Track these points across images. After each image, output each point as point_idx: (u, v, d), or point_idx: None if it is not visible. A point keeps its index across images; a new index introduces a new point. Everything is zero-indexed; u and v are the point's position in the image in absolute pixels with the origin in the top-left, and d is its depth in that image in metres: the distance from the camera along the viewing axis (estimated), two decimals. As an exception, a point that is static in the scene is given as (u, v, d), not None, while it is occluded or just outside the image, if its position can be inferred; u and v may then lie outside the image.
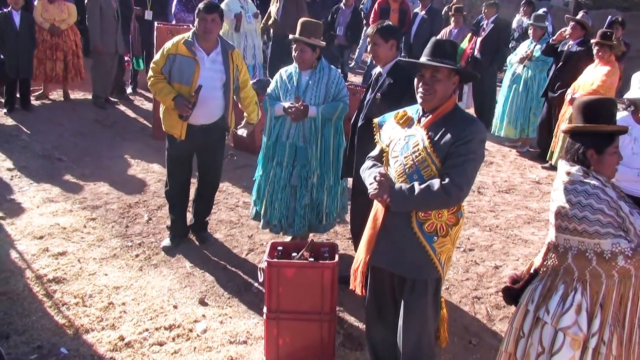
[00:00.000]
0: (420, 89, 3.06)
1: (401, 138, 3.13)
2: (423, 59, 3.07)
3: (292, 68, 4.86)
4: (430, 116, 3.06)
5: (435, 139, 3.00)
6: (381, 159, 3.27)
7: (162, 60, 4.85)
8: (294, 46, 4.74)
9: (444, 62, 3.00)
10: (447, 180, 2.90)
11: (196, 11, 4.79)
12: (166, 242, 5.37)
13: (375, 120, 3.43)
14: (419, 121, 3.11)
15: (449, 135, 2.96)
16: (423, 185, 2.94)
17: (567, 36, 7.82)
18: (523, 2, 12.10)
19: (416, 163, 3.02)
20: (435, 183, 2.92)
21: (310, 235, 5.13)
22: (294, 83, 4.77)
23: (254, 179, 5.16)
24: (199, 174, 5.34)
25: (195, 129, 4.95)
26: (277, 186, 4.89)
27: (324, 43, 4.82)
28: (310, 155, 4.77)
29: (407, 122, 3.15)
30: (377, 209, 3.18)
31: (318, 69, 4.75)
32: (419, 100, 3.09)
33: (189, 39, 4.83)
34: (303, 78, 4.77)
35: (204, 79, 4.80)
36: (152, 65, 4.93)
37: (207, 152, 5.18)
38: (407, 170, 3.05)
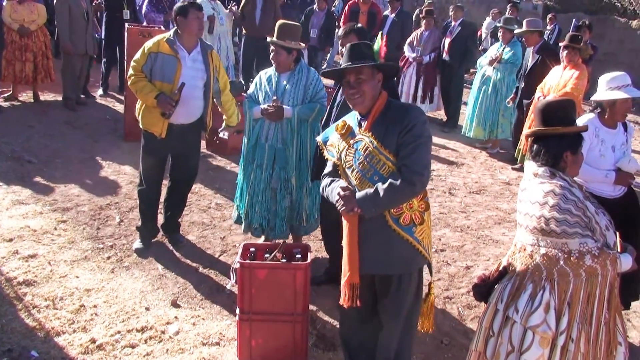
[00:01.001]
0: (349, 94, 3.13)
1: (349, 147, 3.17)
2: (343, 65, 3.14)
3: (272, 70, 4.87)
4: (369, 117, 3.13)
5: (381, 136, 3.07)
6: (337, 173, 3.30)
7: (142, 59, 4.84)
8: (272, 48, 4.75)
9: (363, 62, 3.08)
10: (405, 170, 2.97)
11: (178, 11, 4.78)
12: (137, 244, 5.34)
13: (319, 138, 3.48)
14: (360, 126, 3.17)
15: (392, 129, 3.04)
16: (385, 185, 2.98)
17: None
18: (510, 4, 12.17)
19: (372, 165, 3.07)
20: (396, 178, 2.97)
21: (290, 237, 5.14)
22: (273, 85, 4.78)
23: (236, 181, 5.15)
24: (173, 174, 5.32)
25: (173, 128, 4.96)
26: (257, 188, 4.89)
27: (303, 45, 4.83)
28: (289, 156, 4.78)
29: (349, 131, 3.20)
30: (348, 223, 3.17)
31: (297, 71, 4.76)
32: (352, 106, 3.17)
33: (171, 38, 4.84)
34: (281, 80, 4.78)
35: (185, 77, 4.83)
36: (132, 63, 4.90)
37: (184, 152, 5.17)
38: (366, 174, 3.09)
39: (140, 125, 5.05)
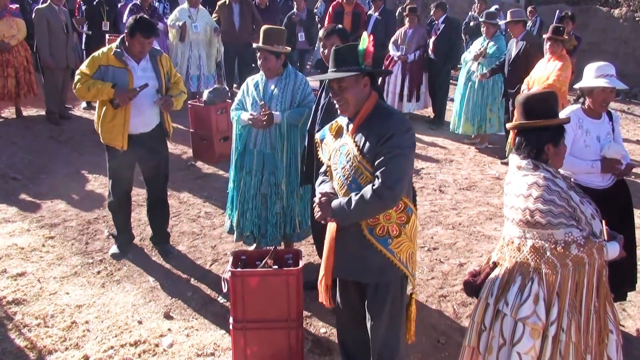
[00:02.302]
0: (334, 100, 3.10)
1: (337, 149, 3.16)
2: (329, 72, 3.09)
3: (259, 76, 4.84)
4: (355, 121, 3.09)
5: (361, 144, 3.02)
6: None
7: (92, 70, 4.82)
8: (258, 54, 4.72)
9: (346, 69, 3.00)
10: (377, 183, 2.91)
11: (128, 29, 4.76)
12: (114, 249, 5.40)
13: (317, 135, 3.46)
14: (347, 129, 3.15)
15: (371, 137, 2.98)
16: (357, 196, 2.94)
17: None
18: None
19: (351, 173, 3.05)
20: (368, 190, 2.92)
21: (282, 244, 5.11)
22: (260, 91, 4.75)
23: (227, 190, 5.12)
24: (146, 184, 5.33)
25: (134, 138, 4.96)
26: (247, 195, 4.87)
27: (289, 49, 4.80)
28: (278, 161, 4.76)
29: (340, 132, 3.18)
30: (330, 225, 3.19)
31: (284, 76, 4.73)
32: (338, 111, 3.13)
33: (118, 50, 4.83)
34: (269, 85, 4.75)
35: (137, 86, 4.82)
36: (80, 71, 4.86)
37: (150, 160, 5.15)
38: (346, 181, 3.08)
39: (101, 140, 5.04)
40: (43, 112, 9.37)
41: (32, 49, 9.14)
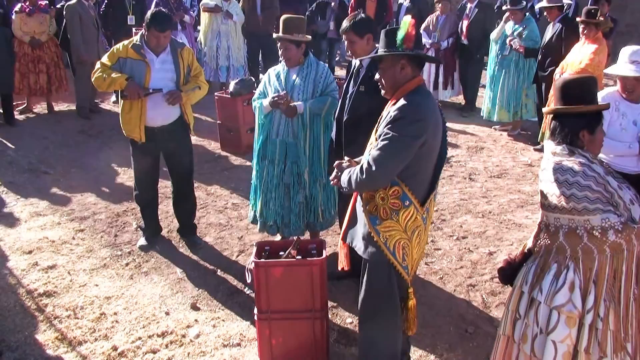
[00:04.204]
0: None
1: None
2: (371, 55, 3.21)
3: (280, 66, 4.82)
4: (390, 102, 3.13)
5: (381, 121, 3.09)
6: None
7: (112, 61, 4.89)
8: (279, 45, 4.69)
9: (385, 51, 3.06)
10: (367, 159, 2.97)
11: (146, 21, 4.81)
12: (142, 241, 5.44)
13: None
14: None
15: (386, 119, 3.02)
16: (357, 167, 3.05)
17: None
18: None
19: (370, 149, 3.09)
20: (362, 163, 3.01)
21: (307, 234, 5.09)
22: (282, 81, 4.73)
23: (251, 182, 5.11)
24: (171, 176, 5.36)
25: (155, 131, 5.01)
26: (270, 185, 4.85)
27: (309, 37, 4.77)
28: (300, 151, 4.72)
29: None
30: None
31: (305, 65, 4.71)
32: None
33: (137, 43, 4.88)
34: (290, 75, 4.73)
35: (155, 80, 4.87)
36: (100, 62, 4.95)
37: (173, 153, 5.19)
38: (367, 150, 3.15)
39: (124, 133, 5.10)
40: (73, 107, 9.49)
41: (61, 45, 9.25)
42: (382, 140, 2.94)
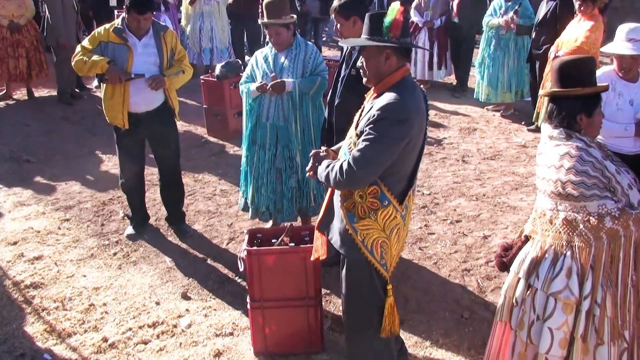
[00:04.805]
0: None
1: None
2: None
3: (267, 49, 4.74)
4: (371, 92, 3.00)
5: (361, 117, 2.95)
6: None
7: (93, 44, 4.78)
8: (267, 31, 4.61)
9: (370, 38, 2.89)
10: (347, 159, 2.84)
11: (126, 4, 4.71)
12: (129, 230, 5.37)
13: None
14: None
15: (369, 113, 2.85)
16: (335, 164, 2.92)
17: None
18: None
19: (350, 143, 2.99)
20: (340, 163, 2.88)
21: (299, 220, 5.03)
22: (270, 63, 4.65)
23: (240, 167, 5.04)
24: (157, 163, 5.28)
25: (139, 117, 4.92)
26: (261, 170, 4.79)
27: (295, 17, 4.66)
28: (292, 134, 4.66)
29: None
30: None
31: (294, 47, 4.63)
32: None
33: (119, 26, 4.79)
34: (279, 57, 4.65)
35: (138, 64, 4.78)
36: (81, 45, 4.84)
37: (158, 139, 5.11)
38: (345, 145, 3.04)
39: (107, 119, 5.01)
40: (54, 93, 9.31)
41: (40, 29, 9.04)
42: (364, 140, 2.79)
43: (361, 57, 2.98)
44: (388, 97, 2.80)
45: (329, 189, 3.18)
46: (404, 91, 2.82)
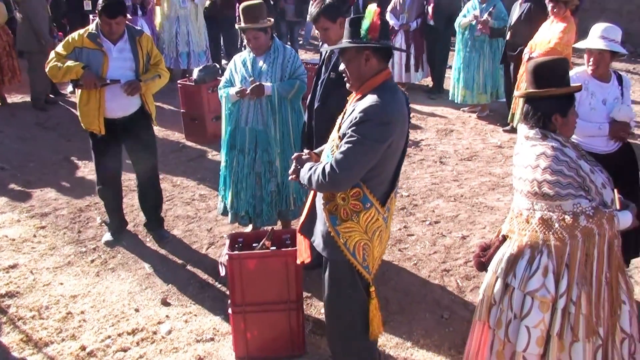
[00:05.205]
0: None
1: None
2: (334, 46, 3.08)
3: (246, 53, 4.73)
4: (354, 95, 3.01)
5: (343, 120, 2.97)
6: None
7: (67, 50, 4.73)
8: (244, 35, 4.62)
9: (350, 41, 2.91)
10: (329, 162, 2.85)
11: (97, 8, 4.66)
12: (107, 237, 5.32)
13: None
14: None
15: (352, 115, 2.87)
16: (317, 167, 2.93)
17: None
18: None
19: (331, 144, 3.00)
20: (323, 166, 2.89)
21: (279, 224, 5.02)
22: (249, 67, 4.64)
23: (219, 171, 5.01)
24: (135, 169, 5.23)
25: (115, 123, 4.88)
26: (240, 175, 4.77)
27: (272, 20, 4.66)
28: (271, 138, 4.65)
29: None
30: None
31: (272, 50, 4.63)
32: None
33: (93, 32, 4.74)
34: (257, 61, 4.65)
35: (113, 69, 4.74)
36: (55, 51, 4.78)
37: (135, 145, 5.06)
38: (328, 147, 3.05)
39: (82, 125, 4.95)
40: (28, 99, 9.20)
41: (13, 33, 8.91)
42: (347, 142, 2.81)
43: (343, 62, 2.99)
44: (370, 99, 2.82)
45: (312, 192, 3.18)
46: (386, 94, 2.85)
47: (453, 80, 8.76)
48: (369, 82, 2.91)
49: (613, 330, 2.97)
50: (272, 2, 10.35)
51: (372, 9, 2.87)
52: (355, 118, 2.80)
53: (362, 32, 2.85)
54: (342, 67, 3.00)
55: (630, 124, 4.00)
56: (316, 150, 3.25)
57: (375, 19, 2.84)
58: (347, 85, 3.00)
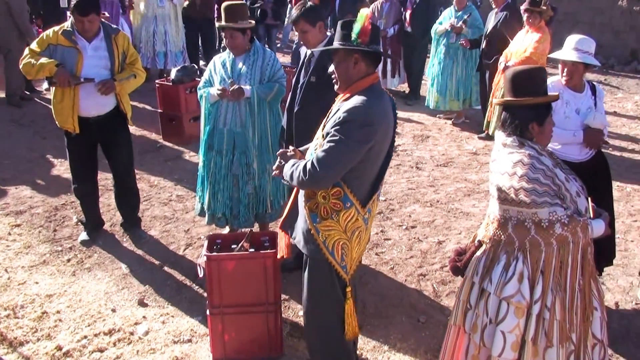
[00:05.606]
0: None
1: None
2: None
3: (226, 54, 4.74)
4: (341, 95, 3.05)
5: (328, 119, 3.01)
6: None
7: (41, 47, 4.68)
8: (223, 34, 4.63)
9: (340, 44, 2.97)
10: (312, 159, 2.90)
11: (71, 5, 4.64)
12: (83, 236, 5.28)
13: None
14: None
15: (335, 116, 2.93)
16: (300, 163, 2.97)
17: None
18: None
19: (316, 144, 3.04)
20: (305, 162, 2.94)
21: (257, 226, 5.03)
22: (228, 69, 4.65)
23: (197, 172, 5.01)
24: (111, 168, 5.20)
25: (90, 122, 4.84)
26: (218, 176, 4.77)
27: (254, 23, 4.68)
28: (249, 140, 4.66)
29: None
30: None
31: (252, 52, 4.64)
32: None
33: (68, 29, 4.69)
34: (237, 63, 4.65)
35: (88, 67, 4.69)
36: (29, 48, 4.73)
37: (110, 144, 5.03)
38: (313, 153, 3.05)
39: (57, 123, 4.91)
40: (2, 95, 9.03)
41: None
42: (329, 141, 2.86)
43: (333, 63, 3.04)
44: (355, 100, 2.88)
45: (295, 189, 3.21)
46: (372, 96, 2.90)
47: (428, 86, 8.88)
48: (355, 84, 2.96)
49: (585, 335, 3.02)
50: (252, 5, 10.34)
51: (364, 13, 2.95)
52: (339, 118, 2.85)
53: (353, 35, 2.91)
54: (331, 68, 3.05)
55: (604, 131, 4.10)
56: (301, 148, 3.28)
57: (366, 23, 2.90)
58: (336, 87, 3.05)
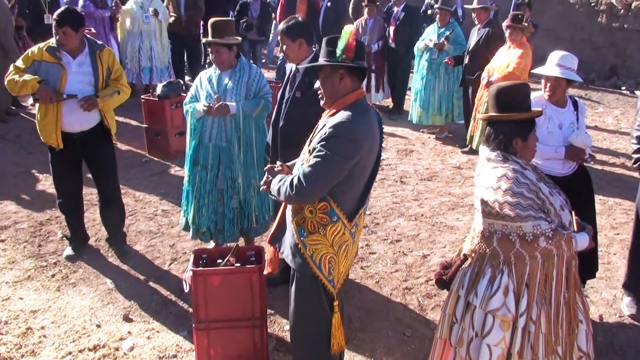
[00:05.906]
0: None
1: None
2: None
3: (212, 70, 4.76)
4: (327, 111, 3.08)
5: (314, 135, 3.04)
6: None
7: (26, 64, 4.68)
8: (209, 49, 4.64)
9: (325, 60, 3.00)
10: (298, 174, 2.92)
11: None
12: (68, 251, 5.25)
13: None
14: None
15: (321, 132, 2.96)
16: (287, 178, 2.99)
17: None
18: None
19: (303, 160, 3.06)
20: (291, 178, 2.96)
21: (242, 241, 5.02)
22: (214, 84, 4.66)
23: (182, 186, 5.00)
24: (95, 183, 5.18)
25: (74, 137, 4.83)
26: (203, 191, 4.77)
27: (240, 39, 4.72)
28: (234, 155, 4.67)
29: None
30: None
31: (238, 68, 4.67)
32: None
33: (53, 45, 4.69)
34: (223, 79, 4.67)
35: (72, 83, 4.69)
36: (14, 65, 4.73)
37: (94, 159, 5.02)
38: (299, 168, 3.07)
39: (41, 139, 4.89)
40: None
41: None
42: (315, 157, 2.88)
43: (319, 80, 3.07)
44: (341, 116, 2.91)
45: (282, 204, 3.23)
46: (357, 112, 2.93)
47: (412, 101, 8.97)
48: (341, 100, 2.99)
49: (570, 349, 3.05)
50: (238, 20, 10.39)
51: (348, 29, 2.97)
52: (325, 133, 2.88)
53: (338, 51, 2.94)
54: (317, 84, 3.08)
55: (586, 150, 4.17)
56: (289, 164, 3.30)
57: (350, 39, 2.94)
58: (322, 102, 3.07)
